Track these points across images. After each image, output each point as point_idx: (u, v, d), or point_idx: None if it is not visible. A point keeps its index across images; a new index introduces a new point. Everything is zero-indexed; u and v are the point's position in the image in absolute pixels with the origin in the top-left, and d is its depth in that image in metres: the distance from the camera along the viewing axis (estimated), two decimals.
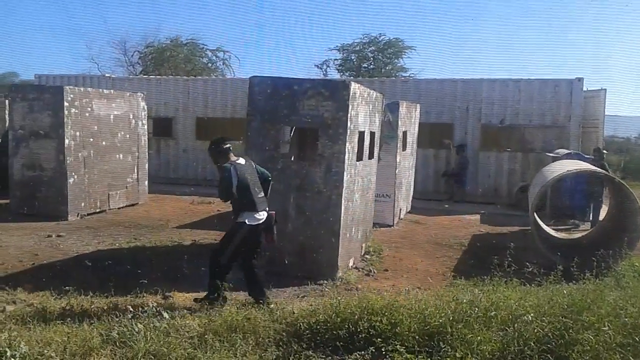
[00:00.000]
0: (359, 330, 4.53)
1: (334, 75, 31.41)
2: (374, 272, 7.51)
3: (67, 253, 7.72)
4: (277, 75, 7.13)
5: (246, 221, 5.65)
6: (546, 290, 5.44)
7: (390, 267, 7.77)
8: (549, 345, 4.21)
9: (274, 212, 5.87)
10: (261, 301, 5.64)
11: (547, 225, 10.15)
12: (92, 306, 5.12)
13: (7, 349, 3.79)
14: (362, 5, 55.52)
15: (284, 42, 55.46)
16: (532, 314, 4.59)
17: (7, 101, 20.62)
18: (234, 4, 55.91)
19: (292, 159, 7.97)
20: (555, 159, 11.21)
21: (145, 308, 4.77)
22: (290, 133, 8.62)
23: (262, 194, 5.81)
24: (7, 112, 19.44)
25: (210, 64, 32.00)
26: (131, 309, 4.86)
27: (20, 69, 52.68)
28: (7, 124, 18.53)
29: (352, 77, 28.97)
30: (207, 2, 50.82)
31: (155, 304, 5.02)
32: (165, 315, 4.74)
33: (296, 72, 52.83)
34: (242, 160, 5.92)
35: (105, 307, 5.07)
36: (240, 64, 46.57)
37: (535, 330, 4.36)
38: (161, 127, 16.20)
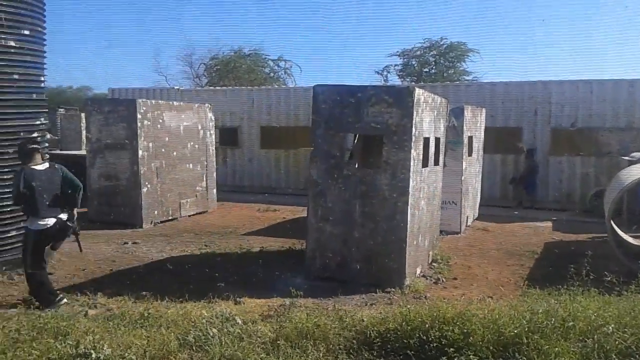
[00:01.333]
0: (430, 339, 4.47)
1: (395, 81, 31.26)
2: (443, 281, 7.39)
3: (143, 260, 8.05)
4: (339, 83, 7.18)
5: (29, 226, 5.80)
6: (627, 301, 5.18)
7: (459, 276, 7.63)
8: (632, 358, 4.01)
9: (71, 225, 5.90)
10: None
11: (626, 232, 9.66)
12: (169, 311, 5.29)
13: (92, 351, 3.98)
14: (422, 9, 54.96)
15: (344, 50, 55.59)
16: (613, 325, 4.38)
17: (82, 115, 21.87)
18: (295, 14, 56.71)
19: (356, 166, 7.99)
20: (631, 163, 10.67)
21: (219, 313, 4.90)
22: (354, 140, 8.64)
23: (55, 202, 5.78)
24: (82, 125, 20.67)
25: (272, 74, 32.59)
26: (205, 314, 5.00)
27: (93, 83, 55.55)
28: (82, 136, 19.75)
29: (413, 83, 28.75)
30: (269, 14, 51.84)
31: (228, 309, 5.14)
32: (238, 320, 4.85)
33: (356, 79, 52.93)
34: (42, 166, 5.86)
35: (181, 312, 5.24)
36: (302, 73, 46.97)
37: (617, 343, 4.16)
38: (227, 137, 16.63)
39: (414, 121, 6.59)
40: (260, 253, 8.62)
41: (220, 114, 15.17)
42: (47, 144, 7.70)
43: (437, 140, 7.98)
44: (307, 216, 7.30)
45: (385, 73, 31.97)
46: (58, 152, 12.47)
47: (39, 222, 5.73)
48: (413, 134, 6.61)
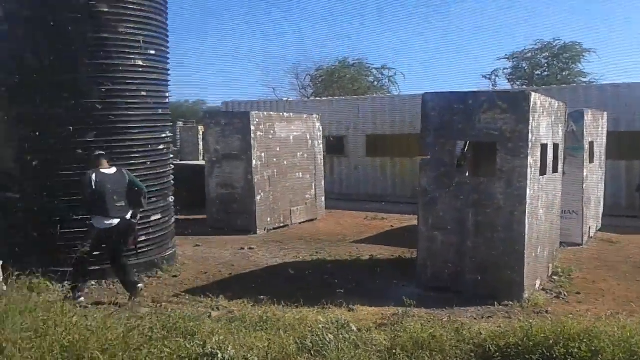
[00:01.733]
0: (554, 356, 4.26)
1: (504, 85, 30.13)
2: (565, 295, 6.99)
3: (259, 264, 8.39)
4: (447, 90, 7.09)
5: (94, 224, 6.12)
6: None
7: (582, 290, 7.18)
8: None
9: (134, 222, 6.42)
10: (132, 296, 6.29)
11: None
12: (286, 315, 5.48)
13: (218, 351, 4.21)
14: (531, 11, 52.55)
15: (449, 55, 54.57)
16: None
17: (199, 127, 23.22)
18: (398, 22, 56.48)
19: (467, 174, 7.82)
20: None
21: (334, 319, 5.00)
22: (464, 148, 8.46)
23: (122, 203, 6.26)
24: (199, 136, 21.96)
25: (376, 82, 32.69)
26: (322, 320, 5.12)
27: (207, 97, 58.81)
28: (200, 147, 20.99)
29: (524, 86, 27.51)
30: (371, 23, 52.14)
31: (342, 316, 5.23)
32: (353, 327, 4.92)
33: (463, 85, 51.61)
34: (110, 170, 6.28)
35: (297, 317, 5.40)
36: (405, 80, 46.70)
37: None
38: (334, 146, 16.90)
39: (530, 127, 6.33)
40: (370, 261, 8.66)
41: (327, 124, 15.45)
42: (172, 155, 8.26)
43: (556, 146, 7.59)
44: (417, 225, 7.24)
45: (493, 77, 30.97)
46: (179, 162, 13.27)
47: (105, 222, 6.23)
48: (529, 140, 6.35)
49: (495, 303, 6.38)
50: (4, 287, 5.33)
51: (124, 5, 7.10)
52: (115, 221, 6.28)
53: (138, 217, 6.55)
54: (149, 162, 7.47)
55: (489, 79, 31.06)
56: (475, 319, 5.98)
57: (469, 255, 6.78)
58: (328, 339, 4.59)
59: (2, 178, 6.87)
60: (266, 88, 53.53)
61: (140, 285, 6.52)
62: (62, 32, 6.78)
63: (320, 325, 4.94)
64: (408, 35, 55.97)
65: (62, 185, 6.84)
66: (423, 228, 7.04)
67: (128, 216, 6.41)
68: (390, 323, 5.46)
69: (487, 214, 6.65)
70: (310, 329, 4.90)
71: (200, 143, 21.03)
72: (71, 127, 6.85)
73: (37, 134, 6.82)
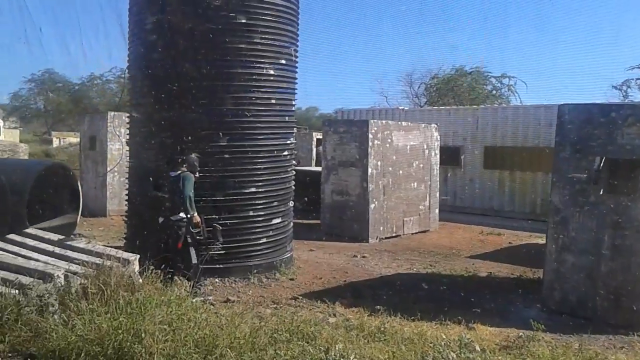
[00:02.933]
0: None
1: (636, 96, 27.73)
2: None
3: (372, 273, 8.36)
4: (575, 101, 6.63)
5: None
6: None
7: None
8: None
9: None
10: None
11: None
12: (404, 328, 5.40)
13: (341, 359, 4.24)
14: None
15: (574, 64, 51.37)
16: None
17: (313, 133, 23.69)
18: (520, 32, 54.18)
19: (601, 192, 7.26)
20: None
21: (457, 337, 4.85)
22: (600, 164, 7.86)
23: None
24: (313, 143, 22.40)
25: (494, 91, 31.49)
26: (443, 336, 4.98)
27: (319, 104, 60.02)
28: (313, 153, 21.38)
29: None
30: (492, 31, 50.43)
31: (465, 335, 5.05)
32: (477, 347, 4.74)
33: (589, 96, 48.32)
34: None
35: (416, 331, 5.30)
36: (527, 90, 44.43)
37: None
38: (448, 156, 16.46)
39: None
40: (488, 278, 8.32)
41: (443, 134, 15.10)
42: (294, 162, 8.48)
43: None
44: (541, 243, 6.86)
45: (624, 88, 28.59)
46: (297, 168, 13.62)
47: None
48: None
49: (631, 333, 5.89)
50: (140, 280, 5.72)
51: (260, 17, 7.42)
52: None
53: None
54: (273, 167, 7.72)
55: (620, 89, 28.75)
56: (608, 348, 5.57)
57: (602, 280, 6.31)
58: (450, 358, 4.46)
59: (154, 178, 7.37)
60: (377, 96, 53.57)
61: None
62: (200, 44, 7.20)
63: (442, 342, 4.81)
64: (530, 43, 53.47)
65: (204, 186, 7.21)
66: (552, 248, 6.65)
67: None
68: (515, 346, 5.20)
69: (626, 237, 6.16)
70: (431, 345, 4.79)
71: (314, 149, 21.39)
72: (206, 132, 7.23)
73: (178, 139, 7.25)
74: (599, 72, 55.33)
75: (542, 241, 10.20)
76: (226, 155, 7.34)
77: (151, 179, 7.42)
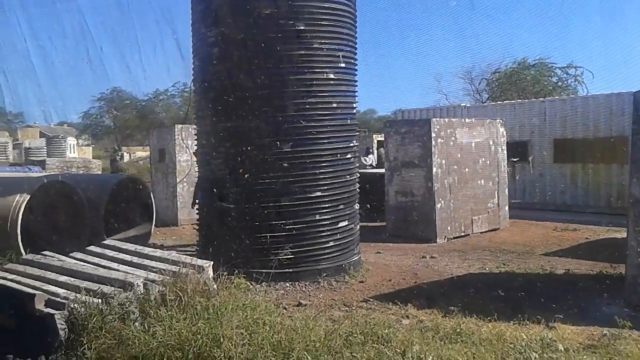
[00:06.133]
0: None
1: None
2: None
3: (442, 274, 8.21)
4: None
5: None
6: None
7: None
8: None
9: None
10: None
11: None
12: (482, 329, 5.26)
13: None
14: None
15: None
16: None
17: (373, 135, 23.65)
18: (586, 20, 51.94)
19: None
20: None
21: (538, 337, 4.68)
22: None
23: None
24: (373, 145, 22.38)
25: (560, 83, 30.32)
26: (524, 337, 4.82)
27: (377, 106, 59.72)
28: (372, 154, 21.35)
29: None
30: (555, 21, 48.63)
31: (546, 334, 4.87)
32: (560, 347, 4.55)
33: None
34: None
35: (494, 331, 5.15)
36: (594, 80, 42.45)
37: None
38: (516, 151, 15.95)
39: None
40: (566, 275, 7.98)
41: (509, 129, 14.67)
42: (357, 164, 8.47)
43: None
44: (620, 238, 6.52)
45: None
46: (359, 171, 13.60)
47: None
48: None
49: None
50: (215, 286, 5.86)
51: (319, 22, 7.48)
52: None
53: None
54: (337, 170, 7.74)
55: None
56: None
57: None
58: (532, 358, 4.31)
59: (218, 188, 7.58)
60: (438, 95, 52.75)
61: None
62: (261, 52, 7.33)
63: (523, 343, 4.66)
64: (595, 31, 51.12)
65: (268, 193, 7.37)
66: (634, 242, 6.30)
67: None
68: (600, 345, 4.96)
69: None
70: (511, 345, 4.64)
71: (375, 152, 21.35)
72: (270, 139, 7.35)
73: (243, 147, 7.41)
74: None
75: (620, 235, 9.73)
76: (289, 161, 7.42)
77: (215, 190, 7.60)
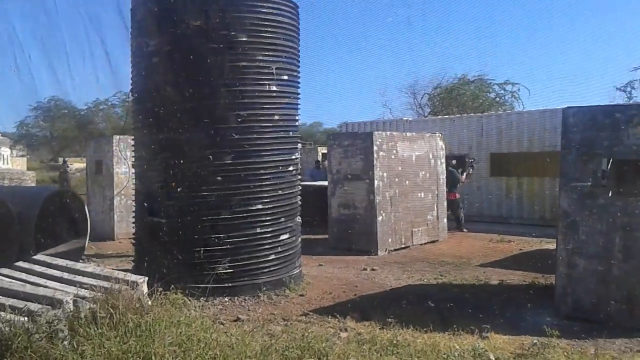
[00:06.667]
0: None
1: None
2: None
3: (382, 286, 8.29)
4: (580, 104, 6.61)
5: None
6: None
7: None
8: None
9: None
10: None
11: None
12: (417, 340, 5.34)
13: None
14: None
15: (574, 67, 51.26)
16: None
17: (317, 148, 23.76)
18: (518, 35, 54.34)
19: (610, 194, 7.20)
20: None
21: (470, 347, 4.78)
22: (607, 165, 7.81)
23: None
24: (318, 158, 22.45)
25: (498, 99, 31.48)
26: (457, 347, 4.92)
27: (323, 119, 60.22)
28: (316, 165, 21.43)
29: None
30: (493, 39, 50.62)
31: (478, 344, 4.99)
32: (491, 357, 4.67)
33: (592, 98, 48.13)
34: None
35: (429, 342, 5.24)
36: (530, 96, 44.37)
37: None
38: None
39: None
40: (499, 286, 8.23)
41: (448, 142, 15.07)
42: (299, 177, 8.46)
43: None
44: (552, 249, 6.79)
45: (628, 89, 28.52)
46: (303, 183, 13.61)
47: None
48: None
49: None
50: (149, 302, 5.70)
51: (261, 34, 7.46)
52: None
53: None
54: (278, 183, 7.72)
55: (624, 91, 28.69)
56: (624, 352, 5.48)
57: (616, 283, 6.23)
58: None
59: (150, 202, 7.41)
60: (382, 108, 53.71)
61: None
62: (199, 64, 7.25)
63: (456, 353, 4.76)
64: (530, 48, 53.52)
65: (203, 207, 7.23)
66: (562, 253, 6.58)
67: None
68: (530, 354, 5.13)
69: (637, 238, 6.09)
70: (444, 356, 4.73)
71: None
72: (210, 151, 7.25)
73: (179, 160, 7.29)
74: (602, 75, 55.23)
75: (552, 247, 10.07)
76: (230, 174, 7.34)
77: (146, 204, 7.43)
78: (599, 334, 5.84)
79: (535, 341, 5.58)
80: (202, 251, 6.91)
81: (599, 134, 6.29)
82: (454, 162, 14.18)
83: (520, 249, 11.32)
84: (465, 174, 14.18)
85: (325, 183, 12.06)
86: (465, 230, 13.68)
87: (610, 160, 7.47)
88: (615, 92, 28.70)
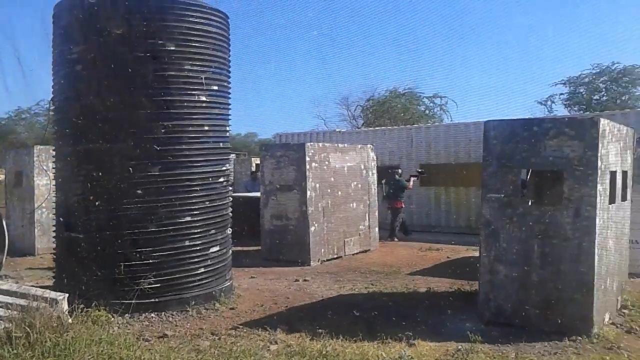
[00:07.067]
0: None
1: (561, 111, 29.47)
2: (636, 329, 6.60)
3: (314, 297, 8.30)
4: (502, 118, 6.91)
5: None
6: None
7: None
8: None
9: None
10: None
11: None
12: (346, 350, 5.37)
13: None
14: (585, 36, 51.44)
15: (498, 81, 53.82)
16: None
17: (252, 159, 23.59)
18: (448, 49, 56.36)
19: (530, 203, 7.56)
20: None
21: (396, 355, 4.86)
22: (527, 176, 8.21)
23: None
24: (252, 169, 22.31)
25: (427, 111, 32.52)
26: (384, 355, 4.99)
27: (258, 130, 59.99)
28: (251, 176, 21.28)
29: (581, 112, 26.79)
30: (421, 53, 52.25)
31: (404, 352, 5.08)
32: None
33: (516, 112, 50.65)
34: None
35: (357, 352, 5.28)
36: (458, 109, 46.17)
37: None
38: (386, 176, 16.73)
39: (599, 154, 6.10)
40: (427, 293, 8.44)
41: (380, 153, 15.38)
42: (230, 188, 8.37)
43: (624, 173, 7.28)
44: (477, 256, 7.04)
45: (549, 103, 30.29)
46: (233, 194, 13.44)
47: None
48: (598, 167, 6.11)
49: (563, 338, 6.10)
50: (69, 320, 5.46)
51: (189, 44, 7.33)
52: None
53: None
54: (208, 195, 7.58)
55: (545, 104, 30.41)
56: (543, 355, 5.74)
57: (534, 288, 6.51)
58: None
59: (67, 216, 7.11)
60: (316, 119, 54.14)
61: None
62: (123, 72, 7.04)
63: None
64: (458, 62, 55.63)
65: (124, 221, 7.00)
66: (485, 260, 6.83)
67: None
68: (454, 359, 5.27)
69: (554, 245, 6.39)
70: None
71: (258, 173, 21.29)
72: (132, 163, 7.03)
73: (100, 172, 7.03)
74: (524, 89, 58.25)
75: (477, 254, 10.50)
76: (156, 185, 7.13)
77: (62, 218, 7.13)
78: (519, 338, 6.08)
79: (459, 347, 5.75)
80: (122, 266, 6.66)
81: (517, 146, 6.59)
82: (399, 170, 14.55)
83: (448, 257, 11.67)
84: (412, 181, 14.54)
85: (258, 194, 12.00)
86: (396, 239, 13.97)
87: (530, 171, 7.89)
88: (537, 105, 30.42)
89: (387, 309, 7.54)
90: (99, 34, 7.08)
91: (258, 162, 20.48)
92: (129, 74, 7.03)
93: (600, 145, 6.12)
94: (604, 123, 6.28)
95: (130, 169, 7.00)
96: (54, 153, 8.17)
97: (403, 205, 14.23)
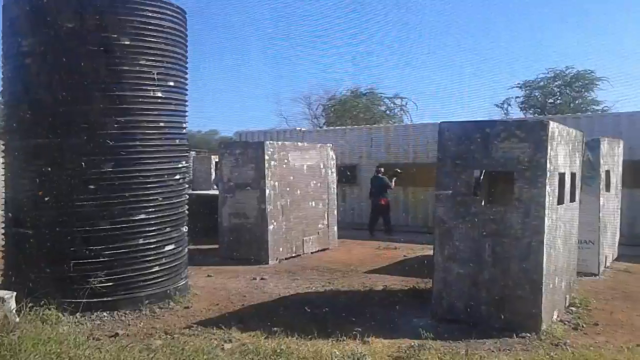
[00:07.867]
0: None
1: (516, 114, 30.23)
2: (583, 326, 6.84)
3: (271, 295, 8.30)
4: (459, 119, 7.08)
5: None
6: None
7: (600, 321, 7.02)
8: None
9: None
10: None
11: None
12: (300, 347, 5.39)
13: None
14: (543, 41, 52.93)
15: (458, 84, 54.90)
16: None
17: (212, 157, 23.41)
18: (407, 50, 57.09)
19: (482, 203, 7.74)
20: None
21: (350, 352, 4.91)
22: (480, 177, 8.40)
23: None
24: (212, 166, 22.12)
25: (388, 112, 32.85)
26: (337, 353, 5.02)
27: (219, 127, 59.42)
28: (212, 176, 21.11)
29: (536, 115, 27.55)
30: (382, 52, 52.78)
31: (358, 349, 5.13)
32: None
33: (474, 114, 51.66)
34: None
35: (312, 349, 5.31)
36: (418, 110, 46.81)
37: None
38: (346, 175, 16.86)
39: (548, 156, 6.29)
40: (383, 292, 8.54)
41: (340, 153, 15.47)
42: (187, 185, 8.27)
43: (573, 175, 7.53)
44: (432, 255, 7.16)
45: (505, 106, 31.03)
46: (192, 192, 13.27)
47: None
48: (547, 169, 6.30)
49: (513, 335, 6.27)
50: (17, 319, 5.31)
51: (144, 39, 7.20)
52: None
53: None
54: (164, 192, 7.48)
55: (501, 107, 31.14)
56: (493, 351, 5.87)
57: (486, 286, 6.67)
58: None
59: (16, 212, 6.90)
60: (278, 117, 53.99)
61: None
62: (75, 66, 6.88)
63: (336, 359, 4.85)
64: (419, 64, 56.42)
65: (74, 217, 6.84)
66: (439, 259, 6.95)
67: None
68: (406, 356, 5.36)
69: (504, 244, 6.56)
70: None
71: (213, 173, 21.12)
72: (84, 159, 6.87)
73: (50, 167, 6.85)
74: (484, 92, 59.57)
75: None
76: (109, 182, 7.00)
77: (11, 214, 6.93)
78: (470, 335, 6.23)
79: (412, 344, 5.84)
80: (72, 264, 6.51)
81: (470, 147, 6.73)
82: (381, 169, 14.82)
83: (405, 256, 11.82)
84: (393, 181, 14.96)
85: (215, 192, 11.90)
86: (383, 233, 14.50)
87: (483, 172, 8.07)
88: (494, 108, 31.13)
89: (343, 307, 7.59)
90: (50, 26, 6.89)
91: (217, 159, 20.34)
92: (81, 68, 6.87)
93: (549, 147, 6.31)
94: (553, 126, 6.48)
95: (82, 164, 6.84)
96: (3, 148, 7.92)
97: (388, 202, 14.86)
